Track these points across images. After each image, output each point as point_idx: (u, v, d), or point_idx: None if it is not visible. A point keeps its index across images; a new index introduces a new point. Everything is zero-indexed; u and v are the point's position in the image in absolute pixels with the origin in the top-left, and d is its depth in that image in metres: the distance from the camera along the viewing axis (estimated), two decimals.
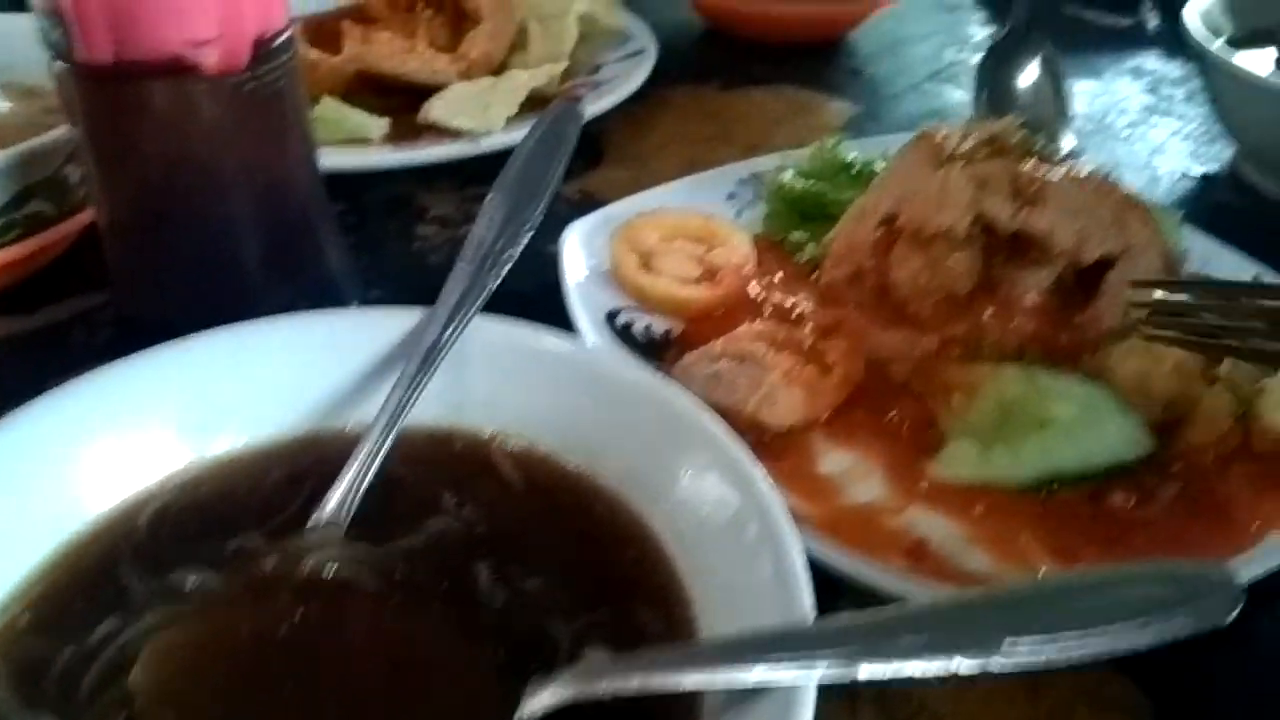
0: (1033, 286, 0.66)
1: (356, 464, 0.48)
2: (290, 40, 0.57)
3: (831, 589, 0.53)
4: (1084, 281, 0.67)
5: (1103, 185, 0.66)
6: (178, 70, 0.53)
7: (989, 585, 0.51)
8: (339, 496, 0.47)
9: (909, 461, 0.60)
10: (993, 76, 0.96)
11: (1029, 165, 0.66)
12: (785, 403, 0.61)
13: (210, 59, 0.52)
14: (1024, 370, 0.62)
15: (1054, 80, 0.96)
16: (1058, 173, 0.66)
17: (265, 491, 0.49)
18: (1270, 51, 0.97)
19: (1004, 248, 0.67)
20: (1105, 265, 0.66)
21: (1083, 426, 0.59)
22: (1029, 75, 0.96)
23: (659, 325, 0.73)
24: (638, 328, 0.73)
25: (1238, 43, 0.97)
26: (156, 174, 0.58)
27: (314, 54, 0.95)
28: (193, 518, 0.47)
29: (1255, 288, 0.59)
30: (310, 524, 0.46)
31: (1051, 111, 0.92)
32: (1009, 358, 0.64)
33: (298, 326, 0.53)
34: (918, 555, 0.56)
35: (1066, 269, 0.66)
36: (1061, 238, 0.65)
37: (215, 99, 0.55)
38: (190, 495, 0.49)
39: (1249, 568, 0.53)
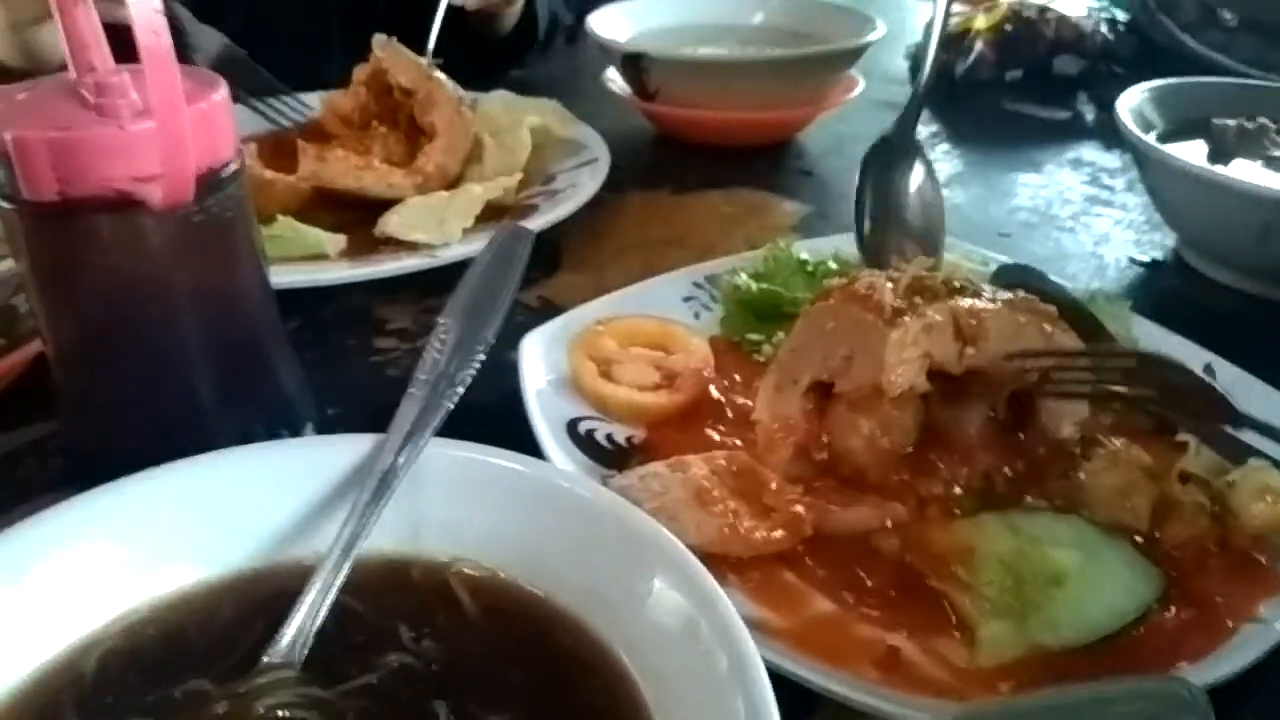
0: (976, 421, 0.66)
1: (310, 599, 0.47)
2: (238, 171, 0.58)
3: (807, 700, 0.53)
4: (1015, 405, 0.68)
5: (1031, 307, 0.67)
6: (123, 206, 0.53)
7: (968, 707, 0.50)
8: (292, 634, 0.46)
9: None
10: (875, 181, 0.90)
11: (965, 303, 0.65)
12: (689, 522, 0.59)
13: (155, 195, 0.52)
14: (1003, 519, 0.61)
15: (934, 186, 0.91)
16: (992, 305, 0.66)
17: (216, 630, 0.48)
18: (1201, 143, 1.00)
19: (941, 392, 0.67)
20: None
21: (1095, 573, 0.58)
22: (914, 180, 0.91)
23: (621, 432, 0.73)
24: (600, 435, 0.72)
25: (1169, 135, 1.01)
26: (103, 307, 0.58)
27: (269, 173, 0.96)
28: (140, 662, 0.46)
29: (1107, 351, 0.67)
30: (262, 664, 0.45)
31: (937, 219, 0.88)
32: (985, 504, 0.63)
33: (248, 458, 0.52)
34: (889, 665, 0.55)
35: (1000, 397, 0.67)
36: (1005, 368, 0.65)
37: (161, 232, 0.55)
38: (138, 637, 0.47)
39: (1230, 661, 0.53)
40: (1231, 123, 1.00)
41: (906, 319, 0.63)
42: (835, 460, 0.67)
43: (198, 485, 0.50)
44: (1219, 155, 0.99)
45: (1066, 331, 0.67)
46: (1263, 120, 1.00)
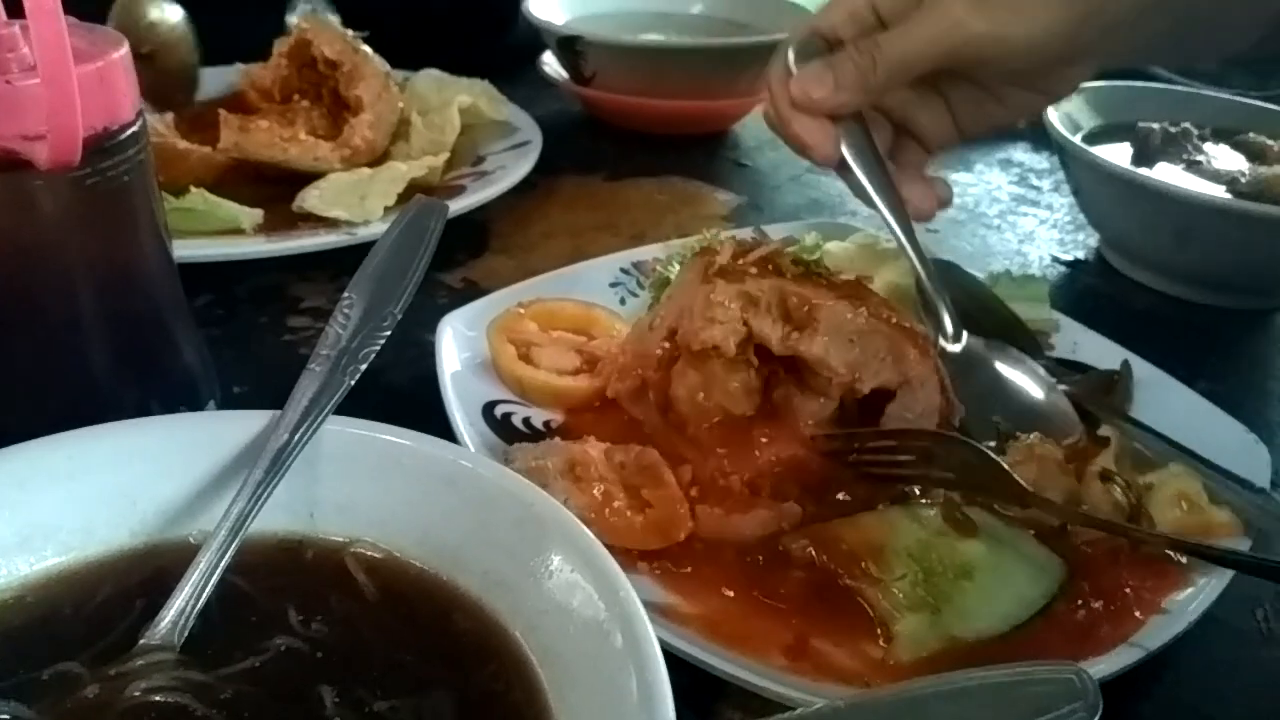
0: (814, 415, 0.66)
1: (194, 578, 0.45)
2: (138, 134, 0.55)
3: (717, 686, 0.52)
4: (867, 413, 0.67)
5: (878, 312, 0.65)
6: (10, 165, 0.50)
7: (857, 695, 0.49)
8: (173, 614, 0.44)
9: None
10: None
11: (802, 287, 0.65)
12: (557, 492, 0.57)
13: (42, 154, 0.49)
14: (909, 512, 0.61)
15: None
16: (830, 297, 0.65)
17: (93, 610, 0.45)
18: (1126, 146, 1.02)
19: (785, 374, 0.67)
20: (888, 396, 0.66)
21: (1002, 564, 0.58)
22: None
23: (539, 416, 0.71)
24: (517, 419, 0.71)
25: (1096, 137, 1.02)
26: None
27: (182, 144, 0.93)
28: (7, 643, 0.43)
29: (905, 433, 0.65)
30: (139, 646, 0.43)
31: None
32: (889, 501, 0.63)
33: (135, 431, 0.49)
34: (797, 654, 0.55)
35: (848, 399, 0.66)
36: (835, 365, 0.64)
37: (53, 194, 0.52)
38: (5, 619, 0.44)
39: (1134, 651, 0.54)
40: (1156, 126, 1.02)
41: (720, 281, 0.64)
42: (666, 406, 0.68)
43: (80, 458, 0.48)
44: (1143, 158, 1.00)
45: (925, 354, 0.65)
46: (1186, 125, 1.02)
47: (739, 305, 0.65)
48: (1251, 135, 1.03)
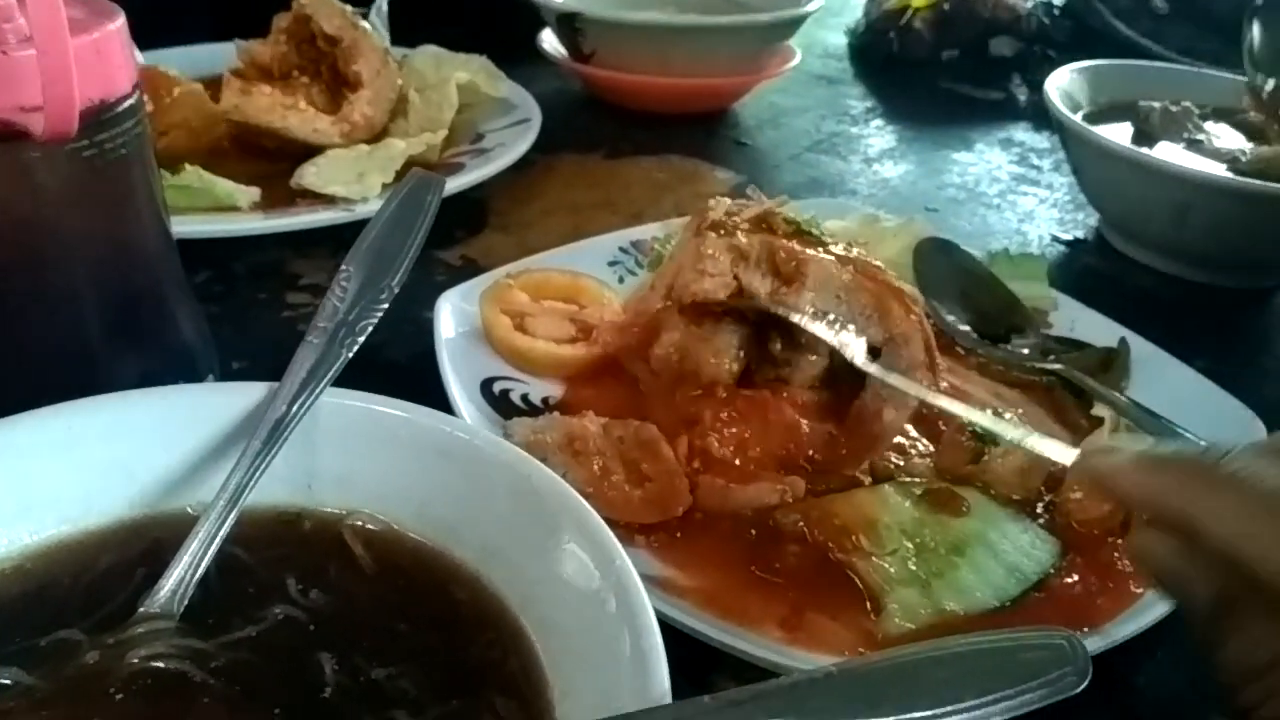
0: (805, 374, 0.66)
1: (193, 548, 0.45)
2: (135, 107, 0.55)
3: (712, 657, 0.52)
4: (855, 372, 0.66)
5: (864, 269, 0.65)
6: (7, 136, 0.50)
7: (848, 661, 0.49)
8: (172, 584, 0.44)
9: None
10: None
11: (790, 243, 0.65)
12: (555, 465, 0.57)
13: (39, 126, 0.49)
14: (902, 489, 0.61)
15: None
16: (816, 254, 0.65)
17: (92, 579, 0.45)
18: (1126, 125, 1.01)
19: (774, 332, 0.67)
20: (874, 354, 0.65)
21: (994, 540, 0.58)
22: None
23: (537, 392, 0.71)
24: (515, 395, 0.71)
25: (1096, 116, 1.02)
26: None
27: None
28: (6, 612, 0.44)
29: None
30: (138, 615, 0.43)
31: None
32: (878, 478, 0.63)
33: (134, 402, 0.49)
34: (792, 625, 0.55)
35: (834, 357, 0.66)
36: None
37: (50, 167, 0.52)
38: (4, 587, 0.45)
39: (1132, 623, 0.54)
40: (1156, 105, 1.01)
41: (711, 235, 0.64)
42: (654, 363, 0.68)
43: (78, 429, 0.48)
44: (1143, 137, 1.00)
45: (909, 311, 0.65)
46: (1186, 104, 1.02)
47: (729, 259, 0.65)
48: (1252, 115, 1.02)
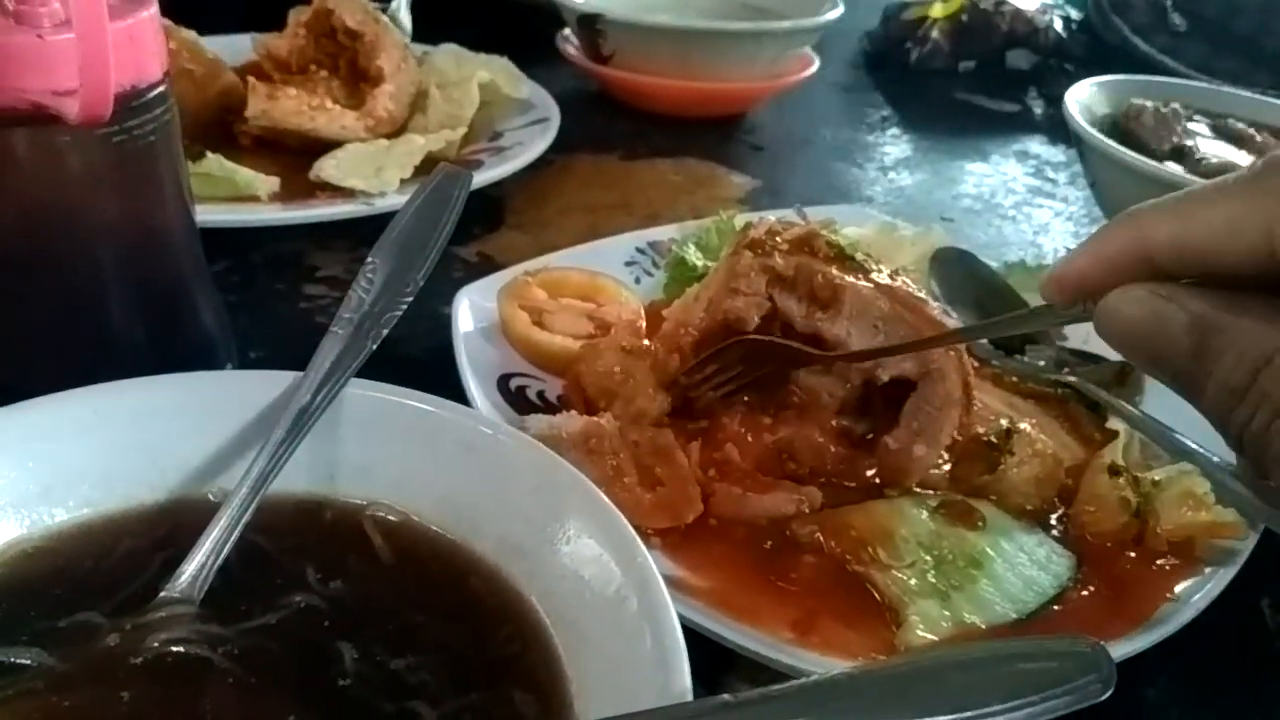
0: (829, 396, 0.65)
1: (214, 535, 0.45)
2: (164, 94, 0.55)
3: (724, 659, 0.52)
4: (889, 404, 0.65)
5: (906, 300, 0.63)
6: (40, 120, 0.50)
7: (867, 664, 0.49)
8: (193, 569, 0.44)
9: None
10: None
11: (830, 268, 0.64)
12: (569, 461, 0.57)
13: (72, 109, 0.50)
14: (918, 502, 0.61)
15: None
16: (857, 280, 0.64)
17: (114, 563, 0.46)
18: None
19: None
20: (910, 387, 0.64)
21: (1011, 553, 0.58)
22: None
23: (554, 390, 0.71)
24: (531, 392, 0.71)
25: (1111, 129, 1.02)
26: (17, 225, 0.56)
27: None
28: (29, 592, 0.44)
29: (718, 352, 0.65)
30: (159, 599, 0.43)
31: None
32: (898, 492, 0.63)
33: (158, 388, 0.50)
34: (805, 628, 0.55)
35: (868, 386, 0.65)
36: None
37: (80, 150, 0.53)
38: (29, 566, 0.45)
39: (1146, 636, 0.54)
40: (1149, 104, 1.01)
41: (747, 253, 0.64)
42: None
43: (103, 413, 0.48)
44: (1129, 136, 0.99)
45: (950, 350, 0.63)
46: (1175, 105, 1.02)
47: (765, 280, 0.64)
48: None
